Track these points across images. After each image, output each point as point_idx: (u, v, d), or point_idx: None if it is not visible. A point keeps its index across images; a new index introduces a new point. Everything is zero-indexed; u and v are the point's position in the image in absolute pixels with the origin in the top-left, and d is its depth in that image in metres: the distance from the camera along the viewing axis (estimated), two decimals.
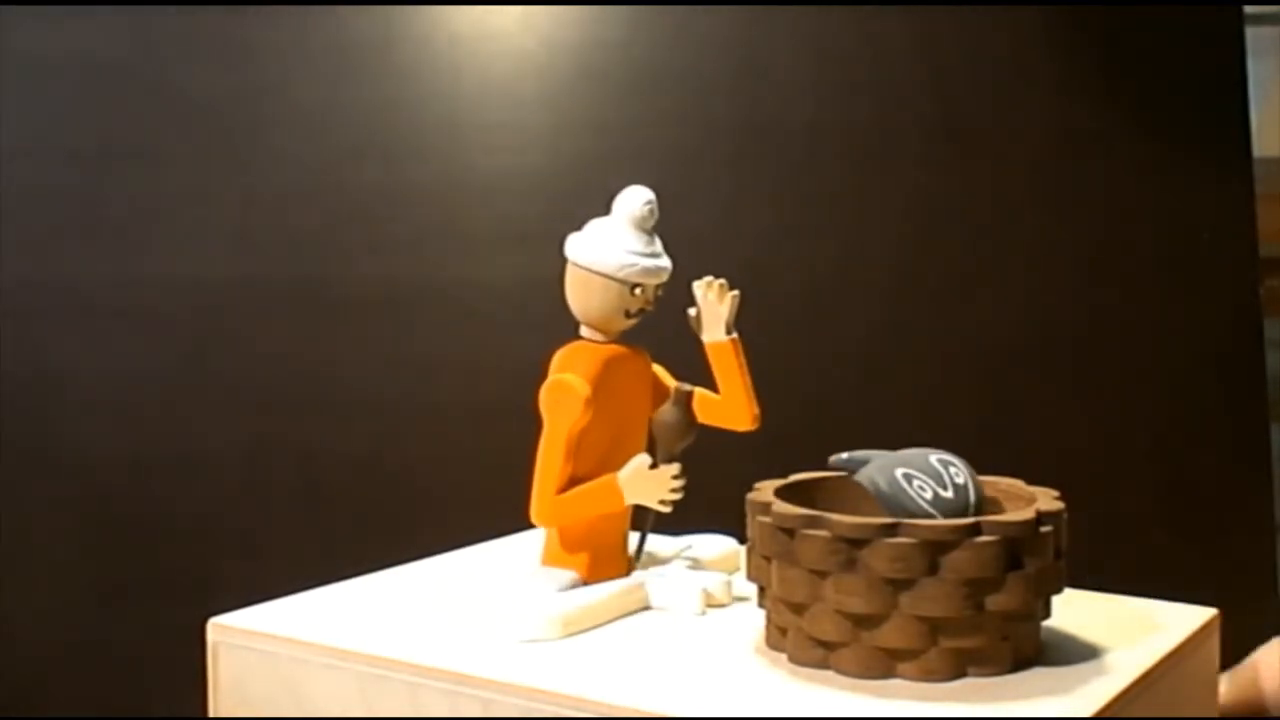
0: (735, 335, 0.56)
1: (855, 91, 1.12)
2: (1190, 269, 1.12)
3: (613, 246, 0.53)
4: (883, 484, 0.48)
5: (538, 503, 0.52)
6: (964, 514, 0.47)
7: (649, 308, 0.54)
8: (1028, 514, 0.45)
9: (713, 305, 0.56)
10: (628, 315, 0.54)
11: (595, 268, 0.53)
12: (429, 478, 1.08)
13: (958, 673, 0.45)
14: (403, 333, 1.09)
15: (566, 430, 0.52)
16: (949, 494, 0.47)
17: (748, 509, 0.49)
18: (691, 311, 0.56)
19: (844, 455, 0.50)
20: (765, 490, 0.49)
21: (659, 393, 0.55)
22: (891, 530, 0.44)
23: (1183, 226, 1.12)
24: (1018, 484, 0.50)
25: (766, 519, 0.47)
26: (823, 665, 0.46)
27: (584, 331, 0.55)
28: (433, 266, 1.10)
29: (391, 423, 1.09)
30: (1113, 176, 1.13)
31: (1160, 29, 1.12)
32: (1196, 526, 1.10)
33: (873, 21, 1.11)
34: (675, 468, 0.53)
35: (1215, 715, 0.53)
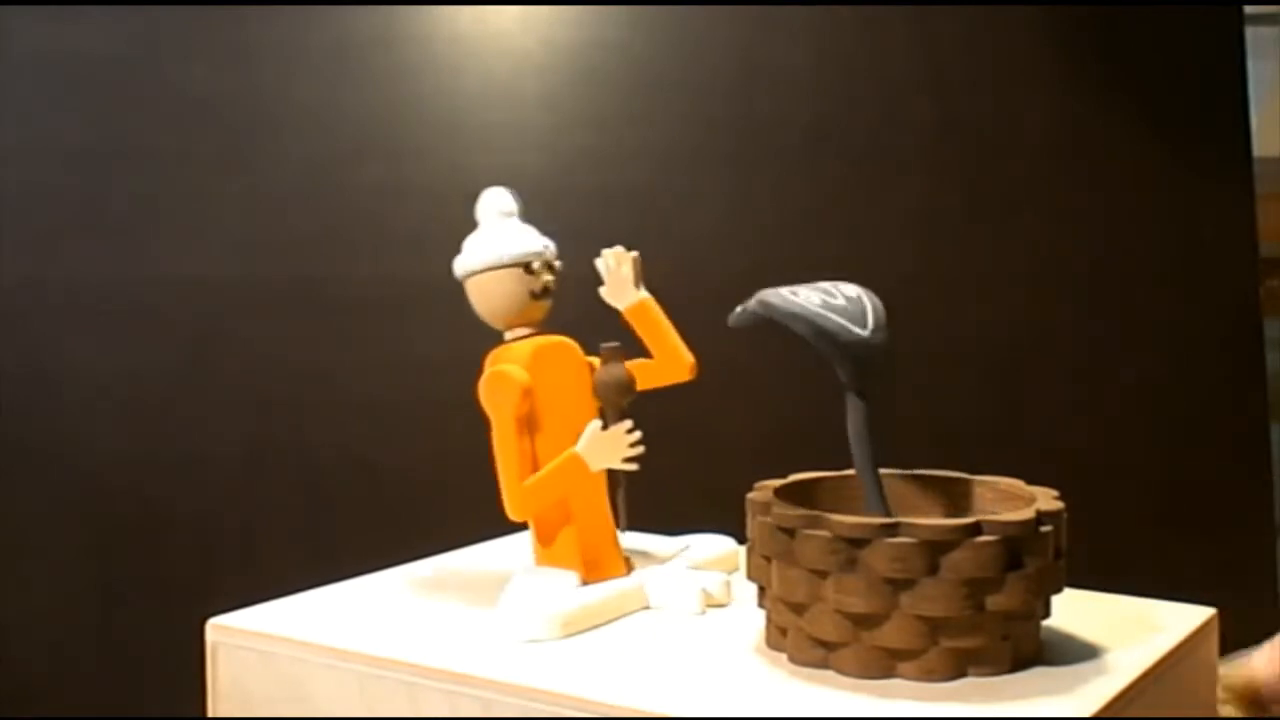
0: (647, 294, 0.57)
1: (855, 91, 1.12)
2: (1190, 269, 1.12)
3: (491, 241, 0.55)
4: (774, 300, 0.48)
5: (508, 496, 0.53)
6: (864, 319, 0.48)
7: (552, 287, 0.55)
8: (1028, 514, 0.45)
9: (615, 272, 0.57)
10: (534, 296, 0.55)
11: (485, 265, 0.54)
12: (429, 478, 1.08)
13: (958, 672, 0.45)
14: (403, 333, 1.09)
15: (512, 418, 0.53)
16: (840, 301, 0.48)
17: (748, 509, 0.49)
18: (602, 289, 0.57)
19: (737, 309, 0.50)
20: (765, 490, 0.49)
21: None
22: (892, 530, 0.44)
23: (1183, 226, 1.12)
24: (1018, 484, 0.50)
25: (766, 519, 0.47)
26: (823, 665, 0.46)
27: (507, 335, 0.56)
28: (433, 266, 1.09)
29: (391, 423, 1.09)
30: (1113, 176, 1.13)
31: (1160, 29, 1.12)
32: (1196, 526, 1.10)
33: (873, 21, 1.11)
34: (627, 423, 0.53)
35: (1214, 714, 0.53)
